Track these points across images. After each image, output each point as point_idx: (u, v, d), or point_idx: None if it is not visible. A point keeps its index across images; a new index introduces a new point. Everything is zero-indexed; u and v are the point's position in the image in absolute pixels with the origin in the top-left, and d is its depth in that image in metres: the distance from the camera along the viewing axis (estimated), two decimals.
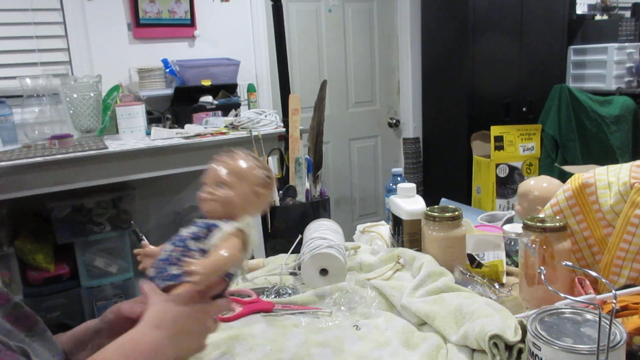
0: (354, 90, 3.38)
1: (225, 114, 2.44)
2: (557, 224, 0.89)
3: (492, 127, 3.03)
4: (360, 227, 1.35)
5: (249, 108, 2.61)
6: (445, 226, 1.03)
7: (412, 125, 3.53)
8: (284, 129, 2.27)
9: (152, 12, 2.51)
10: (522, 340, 0.74)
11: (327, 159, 3.33)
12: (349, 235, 1.33)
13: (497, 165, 3.03)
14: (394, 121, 3.55)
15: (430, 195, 3.45)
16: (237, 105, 2.49)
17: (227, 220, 0.69)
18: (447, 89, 3.30)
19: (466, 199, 3.15)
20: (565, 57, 3.40)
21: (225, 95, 2.50)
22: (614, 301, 0.59)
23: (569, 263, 0.71)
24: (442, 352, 0.80)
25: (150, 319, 0.63)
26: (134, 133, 2.18)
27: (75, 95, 2.19)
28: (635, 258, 0.86)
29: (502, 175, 3.05)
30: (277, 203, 1.31)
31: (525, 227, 0.92)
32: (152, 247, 0.72)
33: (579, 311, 0.68)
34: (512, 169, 3.07)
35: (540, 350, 0.63)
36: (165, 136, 2.15)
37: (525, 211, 1.23)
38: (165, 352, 0.62)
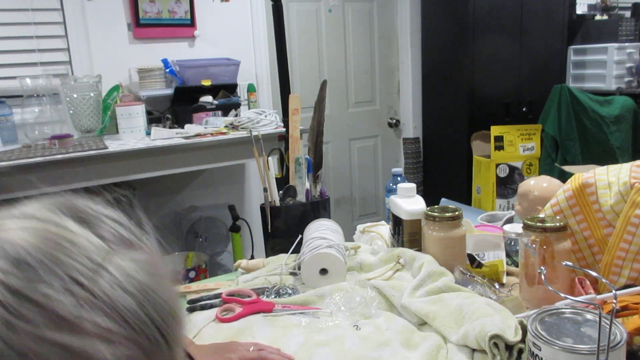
0: (354, 90, 3.38)
1: (225, 114, 2.44)
2: (557, 224, 0.89)
3: (492, 127, 3.03)
4: (360, 227, 1.35)
5: (249, 108, 2.61)
6: (445, 226, 1.03)
7: (412, 125, 3.52)
8: (284, 129, 2.27)
9: (152, 12, 2.51)
10: (522, 340, 0.74)
11: (327, 159, 3.33)
12: (349, 235, 1.33)
13: (497, 165, 3.03)
14: (394, 121, 3.55)
15: (430, 195, 3.45)
16: (237, 105, 2.49)
17: None
18: (447, 89, 3.30)
19: (466, 199, 3.15)
20: (565, 57, 3.39)
21: (225, 95, 2.50)
22: (614, 301, 0.59)
23: (569, 263, 0.71)
24: (442, 352, 0.80)
25: None
26: (134, 133, 2.18)
27: (75, 95, 2.19)
28: (636, 258, 0.86)
29: (502, 175, 3.04)
30: (277, 203, 1.31)
31: (525, 227, 0.92)
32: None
33: (579, 311, 0.68)
34: (512, 169, 3.06)
35: (540, 350, 0.63)
36: (165, 136, 2.15)
37: (525, 211, 1.23)
38: None
